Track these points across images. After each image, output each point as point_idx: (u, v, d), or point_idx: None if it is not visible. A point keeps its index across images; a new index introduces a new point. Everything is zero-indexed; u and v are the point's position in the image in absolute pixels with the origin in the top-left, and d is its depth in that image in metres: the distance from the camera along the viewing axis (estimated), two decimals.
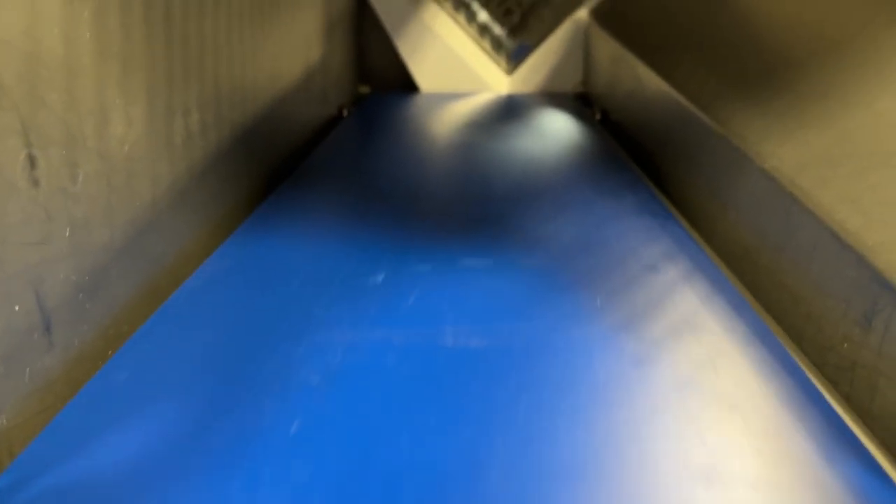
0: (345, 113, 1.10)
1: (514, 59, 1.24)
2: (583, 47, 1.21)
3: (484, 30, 1.23)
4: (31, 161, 0.37)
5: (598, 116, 1.06)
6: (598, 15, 1.16)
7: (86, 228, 0.43)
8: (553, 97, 1.20)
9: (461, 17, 1.23)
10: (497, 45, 1.24)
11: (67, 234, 0.41)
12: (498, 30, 1.24)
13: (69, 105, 0.39)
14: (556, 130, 1.00)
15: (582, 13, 1.20)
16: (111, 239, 0.46)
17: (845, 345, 0.44)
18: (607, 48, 1.06)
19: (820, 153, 0.51)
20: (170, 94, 0.53)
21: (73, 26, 0.39)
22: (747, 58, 0.68)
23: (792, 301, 0.51)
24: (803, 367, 0.45)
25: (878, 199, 0.45)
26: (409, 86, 1.25)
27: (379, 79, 1.29)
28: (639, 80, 0.88)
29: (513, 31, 1.24)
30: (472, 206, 0.71)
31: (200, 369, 0.43)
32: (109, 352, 0.45)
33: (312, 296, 0.52)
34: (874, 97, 0.51)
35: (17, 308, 0.37)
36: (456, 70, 1.23)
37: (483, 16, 1.24)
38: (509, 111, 1.11)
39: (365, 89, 1.29)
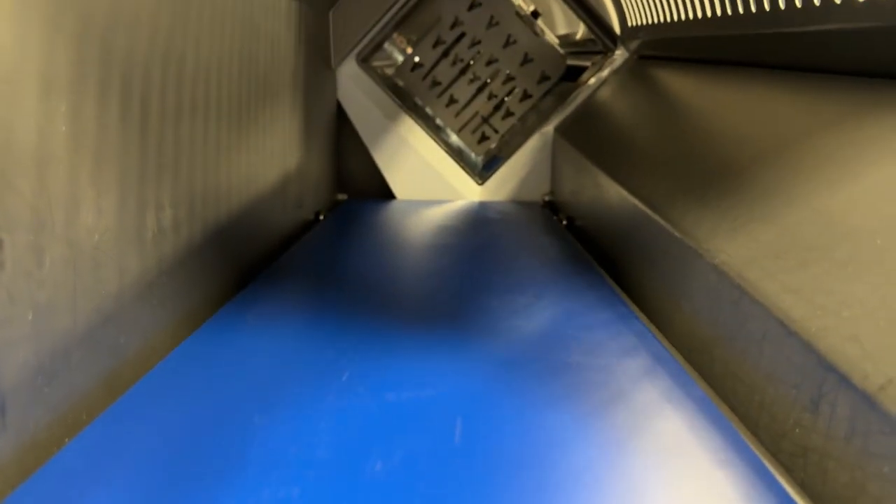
0: (321, 217, 1.13)
1: (486, 170, 1.29)
2: (549, 159, 1.27)
3: (459, 153, 1.29)
4: None
5: (564, 222, 1.10)
6: (563, 130, 1.23)
7: (49, 313, 0.43)
8: (522, 205, 1.25)
9: (436, 136, 1.29)
10: (471, 166, 1.30)
11: (30, 317, 0.41)
12: (473, 156, 1.30)
13: (39, 192, 0.41)
14: (525, 235, 1.04)
15: (548, 128, 1.27)
16: (74, 325, 0.46)
17: (797, 430, 0.45)
18: (571, 159, 1.11)
19: (764, 248, 0.54)
20: (142, 190, 0.55)
21: (48, 119, 0.42)
22: (695, 164, 0.73)
23: (746, 390, 0.52)
24: (760, 456, 0.46)
25: (819, 287, 0.47)
26: (385, 193, 1.30)
27: (356, 186, 1.33)
28: (599, 187, 0.92)
29: (488, 155, 1.30)
30: (443, 304, 0.73)
31: (156, 463, 0.42)
32: (66, 439, 0.44)
33: (274, 394, 0.52)
34: (812, 195, 0.54)
35: None
36: (430, 179, 1.28)
37: (456, 139, 1.30)
38: (481, 217, 1.15)
39: (342, 196, 1.33)
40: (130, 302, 0.54)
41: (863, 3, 0.54)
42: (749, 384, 0.51)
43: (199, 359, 0.57)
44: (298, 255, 0.90)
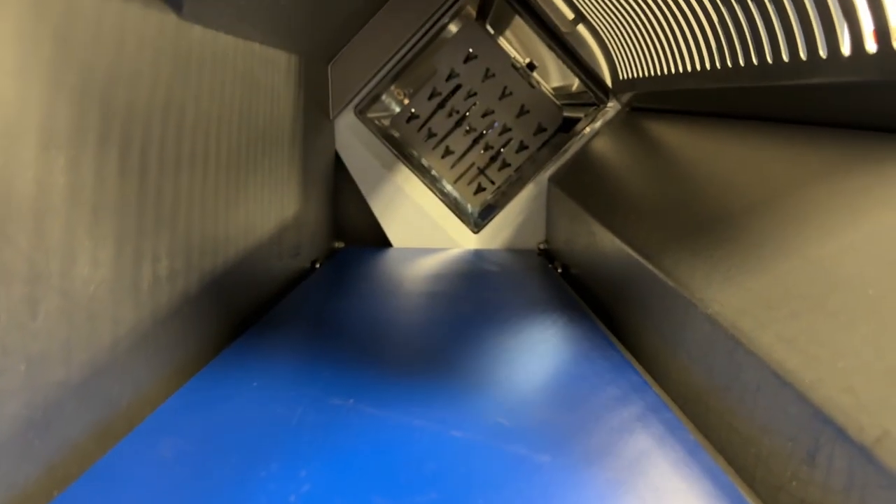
0: (318, 265, 1.14)
1: (482, 219, 1.30)
2: (544, 208, 1.28)
3: (455, 202, 1.31)
4: None
5: (559, 270, 1.10)
6: (557, 179, 1.24)
7: (42, 364, 0.43)
8: (518, 253, 1.26)
9: (432, 186, 1.30)
10: (467, 214, 1.31)
11: (23, 368, 0.41)
12: (470, 208, 1.31)
13: (36, 244, 0.41)
14: (520, 283, 1.04)
15: (543, 177, 1.28)
16: (67, 377, 0.46)
17: (794, 483, 0.45)
18: (565, 208, 1.12)
19: (757, 297, 0.54)
20: (139, 241, 0.55)
21: (46, 172, 0.42)
22: (687, 214, 0.73)
23: (742, 442, 0.51)
24: None
25: (812, 338, 0.47)
26: (381, 241, 1.31)
27: (353, 234, 1.34)
28: (593, 236, 0.93)
29: (483, 204, 1.31)
30: (439, 353, 0.73)
31: None
32: (55, 492, 0.44)
33: (269, 447, 0.51)
34: (802, 245, 0.55)
35: None
36: (426, 227, 1.29)
37: (451, 188, 1.31)
38: (476, 266, 1.16)
39: (339, 244, 1.33)
40: (124, 353, 0.54)
41: (847, 58, 0.56)
42: (745, 436, 0.51)
43: (192, 410, 0.57)
44: (294, 304, 0.90)
